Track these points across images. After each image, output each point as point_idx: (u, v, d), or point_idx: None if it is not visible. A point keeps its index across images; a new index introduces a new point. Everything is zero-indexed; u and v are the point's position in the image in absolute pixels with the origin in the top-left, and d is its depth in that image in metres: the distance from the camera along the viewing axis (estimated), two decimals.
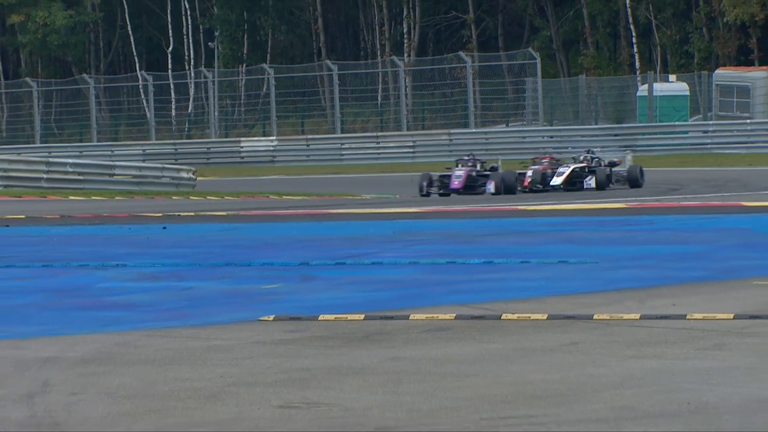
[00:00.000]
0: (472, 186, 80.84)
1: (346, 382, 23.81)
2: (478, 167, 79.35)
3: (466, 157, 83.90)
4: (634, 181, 78.54)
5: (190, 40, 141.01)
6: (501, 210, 67.51)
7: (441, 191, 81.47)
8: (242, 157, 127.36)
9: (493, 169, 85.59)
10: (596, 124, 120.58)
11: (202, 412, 21.23)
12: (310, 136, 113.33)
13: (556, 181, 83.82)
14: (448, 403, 21.74)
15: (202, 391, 23.13)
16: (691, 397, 21.46)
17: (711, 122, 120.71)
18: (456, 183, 77.13)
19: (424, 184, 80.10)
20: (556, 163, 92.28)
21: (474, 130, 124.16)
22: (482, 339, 28.62)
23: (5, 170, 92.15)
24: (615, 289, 36.72)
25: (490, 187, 78.63)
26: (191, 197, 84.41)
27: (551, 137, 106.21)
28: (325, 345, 28.87)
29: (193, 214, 74.50)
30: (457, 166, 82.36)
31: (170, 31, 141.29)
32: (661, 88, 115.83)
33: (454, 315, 31.18)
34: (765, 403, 20.97)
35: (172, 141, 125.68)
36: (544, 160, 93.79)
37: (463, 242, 49.82)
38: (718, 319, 29.24)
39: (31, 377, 24.68)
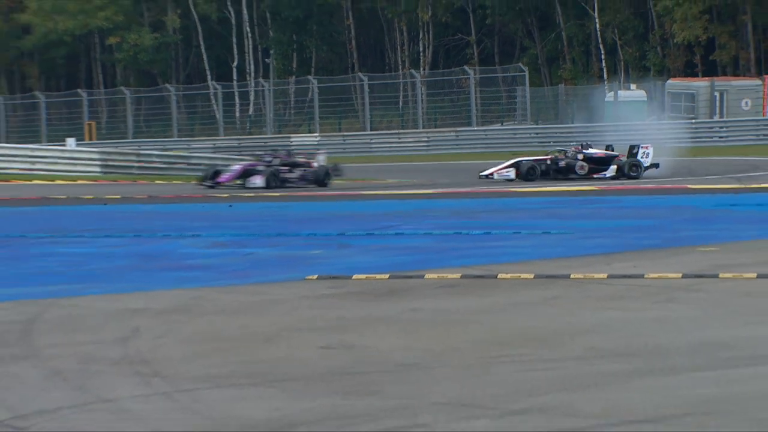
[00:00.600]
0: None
1: (374, 328, 24.37)
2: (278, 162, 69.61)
3: (262, 153, 74.05)
4: (320, 180, 74.15)
5: (251, 57, 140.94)
6: (496, 191, 66.94)
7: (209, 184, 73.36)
8: (298, 149, 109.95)
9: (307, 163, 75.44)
10: (572, 123, 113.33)
11: (260, 352, 21.49)
12: (345, 133, 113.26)
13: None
14: (455, 345, 22.02)
15: (260, 335, 23.42)
16: (648, 341, 21.76)
17: (664, 122, 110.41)
18: (224, 177, 70.26)
19: (210, 174, 71.69)
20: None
21: (476, 128, 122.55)
22: (482, 294, 29.25)
23: (105, 160, 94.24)
24: (587, 254, 37.38)
25: (258, 180, 72.76)
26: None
27: (537, 134, 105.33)
28: (357, 299, 29.35)
29: (252, 195, 73.34)
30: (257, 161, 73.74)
31: (235, 50, 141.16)
32: (623, 94, 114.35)
33: (460, 275, 31.77)
34: (707, 345, 21.21)
35: (236, 137, 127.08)
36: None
37: (467, 217, 50.34)
38: (670, 278, 29.67)
39: (125, 324, 24.88)
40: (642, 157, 71.12)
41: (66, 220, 57.84)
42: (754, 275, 30.00)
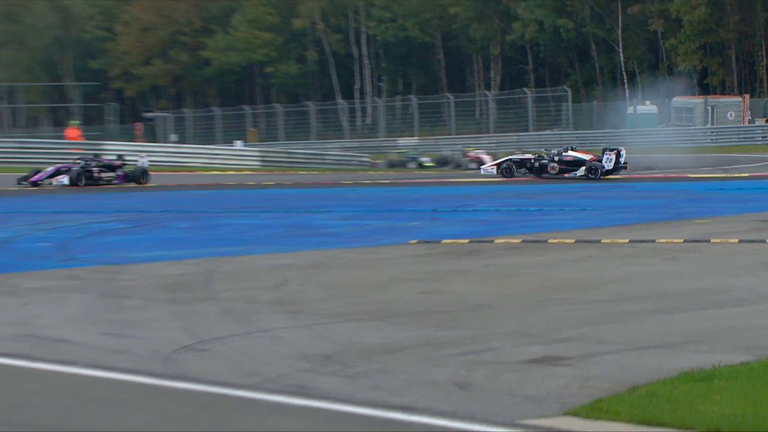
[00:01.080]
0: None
1: (457, 279, 24.87)
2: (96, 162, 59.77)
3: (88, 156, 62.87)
4: (137, 178, 64.83)
5: (368, 81, 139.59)
6: (546, 180, 65.81)
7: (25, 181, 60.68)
8: (400, 149, 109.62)
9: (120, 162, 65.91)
10: (603, 130, 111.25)
11: (375, 295, 22.00)
12: (437, 137, 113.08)
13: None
14: (516, 291, 22.45)
15: (374, 284, 23.84)
16: (658, 288, 21.97)
17: (670, 128, 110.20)
18: (38, 176, 59.19)
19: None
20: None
21: (532, 133, 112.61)
22: (536, 254, 29.61)
23: (263, 156, 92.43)
24: (613, 225, 37.17)
25: (64, 179, 60.75)
26: (368, 172, 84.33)
27: (577, 138, 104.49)
28: (445, 257, 29.69)
29: (369, 182, 74.68)
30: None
31: (357, 76, 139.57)
32: (640, 108, 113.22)
33: (520, 240, 32.11)
34: (702, 291, 21.73)
35: (357, 139, 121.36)
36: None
37: (525, 198, 50.29)
38: (674, 242, 29.86)
39: (277, 276, 25.15)
40: (605, 162, 67.71)
41: (235, 200, 58.45)
42: (737, 240, 30.54)
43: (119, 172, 62.07)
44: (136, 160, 62.67)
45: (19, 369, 15.62)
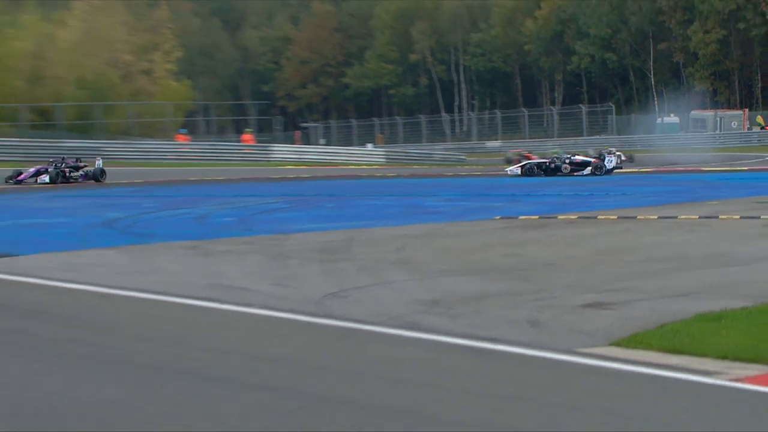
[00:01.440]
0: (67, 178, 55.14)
1: (530, 246, 24.86)
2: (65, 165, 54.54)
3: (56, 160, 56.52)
4: (96, 177, 58.00)
5: (465, 99, 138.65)
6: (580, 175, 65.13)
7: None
8: (487, 150, 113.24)
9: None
10: (638, 135, 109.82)
11: (469, 256, 22.18)
12: (515, 140, 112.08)
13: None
14: (574, 254, 22.47)
15: (469, 248, 24.04)
16: (680, 252, 21.93)
17: (688, 134, 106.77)
18: (23, 176, 53.84)
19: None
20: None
21: (585, 137, 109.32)
22: (589, 227, 29.36)
23: (387, 155, 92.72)
24: (645, 206, 36.18)
25: (45, 178, 55.06)
26: (464, 166, 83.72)
27: (619, 141, 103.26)
28: (521, 229, 29.56)
29: (464, 174, 73.91)
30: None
31: (454, 95, 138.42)
32: (666, 119, 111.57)
33: (577, 216, 31.87)
34: (714, 254, 21.61)
35: (455, 142, 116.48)
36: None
37: (580, 186, 49.44)
38: (692, 218, 29.49)
39: (398, 242, 25.16)
40: (607, 163, 65.52)
41: (366, 187, 57.09)
42: (739, 216, 30.09)
43: (82, 172, 57.51)
44: (94, 162, 58.50)
45: (211, 309, 16.02)
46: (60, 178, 54.80)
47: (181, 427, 9.73)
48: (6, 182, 54.86)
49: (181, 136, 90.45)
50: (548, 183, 56.07)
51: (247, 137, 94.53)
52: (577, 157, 66.37)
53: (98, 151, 66.29)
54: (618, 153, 71.16)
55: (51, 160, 57.08)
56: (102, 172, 57.44)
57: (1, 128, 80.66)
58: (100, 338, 14.11)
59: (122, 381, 11.61)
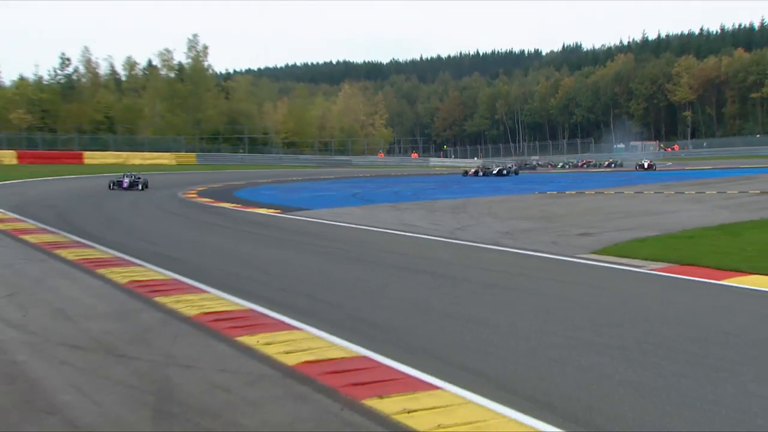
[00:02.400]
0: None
1: (552, 206, 23.88)
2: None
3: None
4: (143, 186, 35.17)
5: (519, 136, 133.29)
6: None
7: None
8: (530, 161, 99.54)
9: None
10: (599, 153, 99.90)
11: (522, 211, 21.38)
12: (546, 156, 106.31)
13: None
14: (577, 211, 21.67)
15: (522, 207, 22.94)
16: (624, 209, 21.26)
17: (626, 153, 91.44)
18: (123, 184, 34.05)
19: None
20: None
21: (575, 154, 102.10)
22: (585, 197, 27.77)
23: (483, 163, 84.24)
24: (592, 188, 33.94)
25: (126, 186, 34.27)
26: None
27: (590, 155, 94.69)
28: (548, 198, 27.76)
29: (526, 172, 68.37)
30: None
31: (509, 137, 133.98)
32: (616, 146, 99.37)
33: (575, 192, 30.32)
34: (642, 211, 20.70)
35: (515, 157, 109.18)
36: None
37: (580, 176, 47.47)
38: (628, 192, 28.12)
39: (488, 205, 24.54)
40: (508, 168, 53.76)
41: (472, 178, 51.14)
42: (653, 192, 28.45)
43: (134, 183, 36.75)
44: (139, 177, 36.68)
45: (398, 234, 16.22)
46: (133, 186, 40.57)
47: (398, 288, 10.03)
48: (111, 189, 36.63)
49: (381, 154, 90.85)
50: (561, 176, 52.43)
51: (414, 155, 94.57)
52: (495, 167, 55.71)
53: (348, 162, 67.17)
54: (514, 164, 60.81)
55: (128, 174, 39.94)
56: (146, 184, 37.91)
57: (305, 151, 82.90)
58: (340, 245, 14.49)
59: (352, 266, 12.03)
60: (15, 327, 7.51)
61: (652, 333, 7.26)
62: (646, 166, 56.74)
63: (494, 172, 52.47)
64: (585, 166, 65.39)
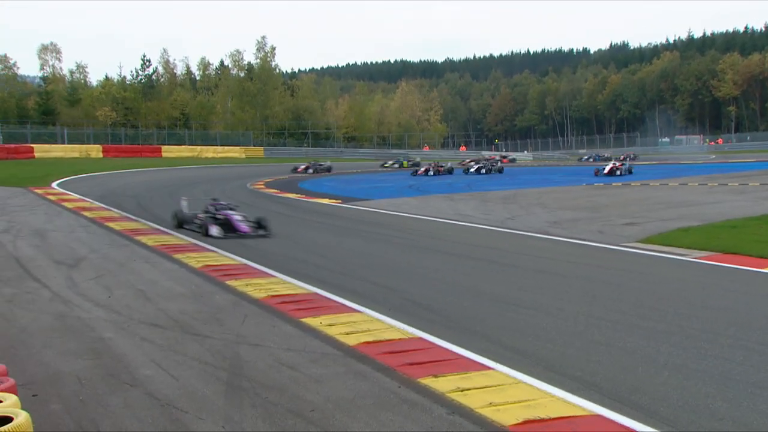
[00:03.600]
0: None
1: (598, 196, 23.35)
2: None
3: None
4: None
5: (567, 131, 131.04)
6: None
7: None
8: (578, 154, 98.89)
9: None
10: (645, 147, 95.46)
11: (570, 201, 21.07)
12: (593, 149, 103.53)
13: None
14: (617, 201, 21.28)
15: (571, 197, 22.67)
16: (667, 200, 20.81)
17: (672, 147, 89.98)
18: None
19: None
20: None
21: (620, 148, 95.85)
22: (619, 188, 27.25)
23: (534, 156, 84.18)
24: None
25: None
26: (567, 162, 78.79)
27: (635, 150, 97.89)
28: (594, 189, 27.26)
29: (566, 164, 66.39)
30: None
31: (557, 131, 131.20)
32: (661, 140, 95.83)
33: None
34: (685, 201, 20.18)
35: (564, 150, 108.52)
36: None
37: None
38: (672, 185, 27.52)
39: (537, 195, 24.01)
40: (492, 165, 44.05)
41: (523, 169, 51.18)
42: (697, 184, 27.64)
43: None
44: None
45: (451, 223, 16.15)
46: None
47: (452, 273, 10.02)
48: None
49: (426, 147, 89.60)
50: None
51: (463, 148, 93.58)
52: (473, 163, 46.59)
53: (405, 155, 66.75)
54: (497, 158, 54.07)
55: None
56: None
57: (364, 145, 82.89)
58: (397, 233, 14.45)
59: (408, 253, 12.01)
60: (101, 306, 7.71)
61: (695, 318, 7.17)
62: (606, 171, 38.36)
63: (472, 169, 43.30)
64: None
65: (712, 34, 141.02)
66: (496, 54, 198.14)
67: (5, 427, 2.89)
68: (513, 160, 53.96)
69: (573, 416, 4.59)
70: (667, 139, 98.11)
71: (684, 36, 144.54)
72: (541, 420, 4.53)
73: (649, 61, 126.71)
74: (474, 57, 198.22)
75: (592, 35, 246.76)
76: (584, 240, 12.96)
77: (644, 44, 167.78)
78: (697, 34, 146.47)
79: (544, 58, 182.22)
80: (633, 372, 5.49)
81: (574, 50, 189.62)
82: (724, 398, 4.94)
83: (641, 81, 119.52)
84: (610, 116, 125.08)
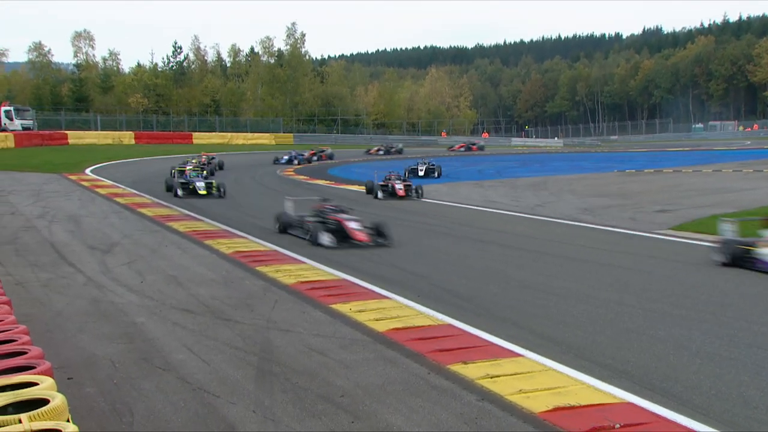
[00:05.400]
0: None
1: (630, 183, 23.14)
2: None
3: None
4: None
5: (598, 116, 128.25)
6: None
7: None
8: (610, 140, 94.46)
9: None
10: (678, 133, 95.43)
11: (600, 188, 20.86)
12: (623, 135, 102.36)
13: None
14: (650, 188, 21.09)
15: (601, 185, 22.49)
16: (701, 186, 20.54)
17: (705, 133, 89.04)
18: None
19: None
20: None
21: (653, 134, 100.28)
22: (650, 176, 26.97)
23: (564, 142, 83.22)
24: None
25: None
26: (598, 148, 77.99)
27: (674, 135, 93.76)
28: (627, 176, 27.02)
29: (598, 150, 69.01)
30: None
31: (589, 118, 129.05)
32: (695, 126, 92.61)
33: (653, 169, 29.41)
34: (719, 188, 19.91)
35: (596, 137, 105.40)
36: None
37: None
38: (706, 171, 27.17)
39: (567, 182, 23.98)
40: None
41: (554, 156, 50.46)
42: (731, 170, 27.35)
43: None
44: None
45: (481, 210, 16.12)
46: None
47: (481, 260, 10.01)
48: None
49: (443, 134, 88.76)
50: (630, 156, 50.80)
51: (485, 134, 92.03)
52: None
53: (434, 142, 66.03)
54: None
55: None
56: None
57: (393, 131, 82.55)
58: (426, 219, 14.47)
59: (437, 239, 12.01)
60: (134, 292, 7.81)
61: (728, 306, 7.09)
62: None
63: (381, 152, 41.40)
64: (463, 149, 51.69)
65: (749, 17, 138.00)
66: (527, 39, 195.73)
67: (42, 409, 2.92)
68: (482, 148, 50.98)
69: (604, 404, 4.56)
70: (701, 125, 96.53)
71: (719, 20, 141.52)
72: (572, 407, 4.50)
73: (683, 46, 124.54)
74: (504, 43, 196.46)
75: (625, 20, 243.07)
76: (616, 227, 12.85)
77: (678, 29, 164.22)
78: (733, 18, 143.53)
79: (575, 43, 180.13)
80: (665, 360, 5.45)
81: (606, 35, 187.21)
82: (757, 386, 4.88)
83: (674, 66, 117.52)
84: (642, 102, 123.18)
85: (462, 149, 47.60)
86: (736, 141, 68.33)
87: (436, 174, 27.98)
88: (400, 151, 47.39)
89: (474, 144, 46.88)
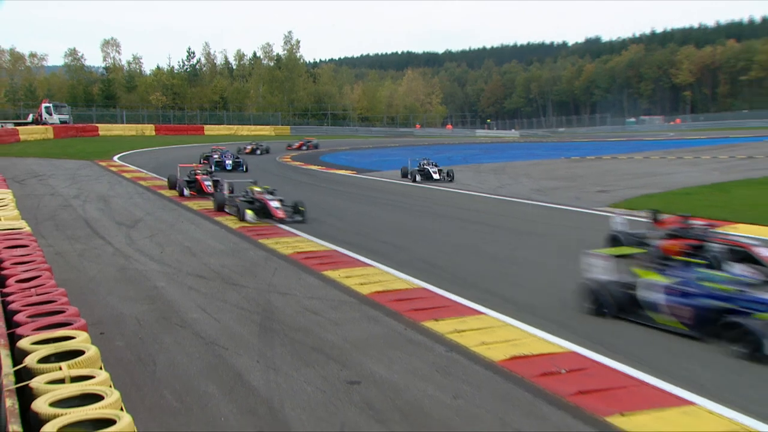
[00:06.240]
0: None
1: (574, 168, 22.58)
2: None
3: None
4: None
5: (548, 113, 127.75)
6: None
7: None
8: (558, 133, 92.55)
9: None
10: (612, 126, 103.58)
11: (552, 172, 20.47)
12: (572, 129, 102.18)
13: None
14: (592, 172, 20.81)
15: (551, 170, 22.16)
16: (632, 171, 20.39)
17: (636, 126, 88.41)
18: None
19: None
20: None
21: (593, 127, 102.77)
22: (591, 162, 26.60)
23: (520, 133, 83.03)
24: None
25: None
26: (550, 139, 76.27)
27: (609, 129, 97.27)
28: (571, 162, 26.58)
29: (547, 141, 65.86)
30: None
31: (541, 113, 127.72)
32: (628, 120, 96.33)
33: (594, 156, 29.15)
34: (649, 172, 19.66)
35: (546, 129, 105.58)
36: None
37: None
38: (637, 158, 26.91)
39: (523, 167, 23.44)
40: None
41: (508, 146, 49.24)
42: (658, 157, 27.19)
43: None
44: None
45: (454, 192, 15.98)
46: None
47: (444, 234, 9.98)
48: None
49: (417, 126, 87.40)
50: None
51: (449, 126, 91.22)
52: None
53: (411, 133, 65.48)
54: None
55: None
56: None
57: (375, 124, 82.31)
58: (404, 199, 14.31)
59: (414, 217, 11.96)
60: (155, 261, 7.78)
61: None
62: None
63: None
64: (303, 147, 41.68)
65: (672, 29, 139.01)
66: (488, 46, 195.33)
67: (78, 359, 2.97)
68: (316, 146, 45.06)
69: (552, 353, 4.64)
70: (633, 119, 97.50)
71: (648, 31, 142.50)
72: (525, 356, 4.57)
73: (618, 53, 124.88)
74: (470, 48, 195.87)
75: (570, 30, 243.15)
76: (564, 205, 12.86)
77: (614, 38, 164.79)
78: (659, 30, 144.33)
79: (529, 49, 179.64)
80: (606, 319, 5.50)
81: (555, 43, 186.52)
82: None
83: (612, 69, 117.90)
84: (585, 100, 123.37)
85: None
86: (662, 133, 68.96)
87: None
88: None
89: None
